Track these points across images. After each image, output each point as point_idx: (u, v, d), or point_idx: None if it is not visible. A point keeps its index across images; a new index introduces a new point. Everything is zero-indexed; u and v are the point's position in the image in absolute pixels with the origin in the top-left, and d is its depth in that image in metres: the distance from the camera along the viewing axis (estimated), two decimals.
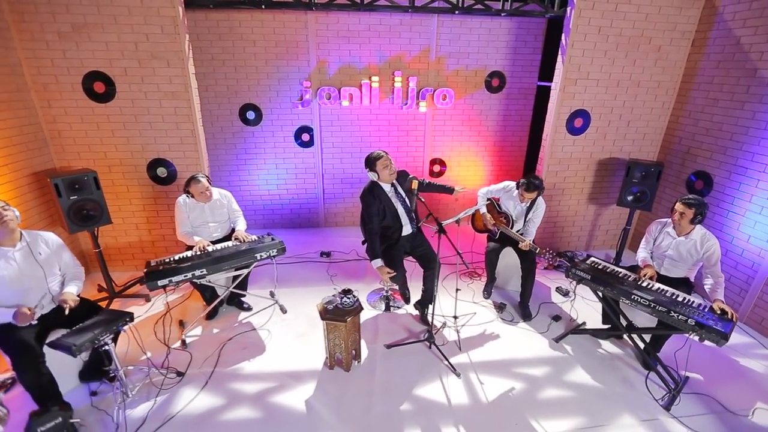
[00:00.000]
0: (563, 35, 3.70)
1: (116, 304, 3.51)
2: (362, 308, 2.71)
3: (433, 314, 2.98)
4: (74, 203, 3.11)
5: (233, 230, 3.45)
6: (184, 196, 3.22)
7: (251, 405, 2.52)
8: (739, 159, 3.40)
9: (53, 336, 2.34)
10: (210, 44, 4.23)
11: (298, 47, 4.37)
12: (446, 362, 2.86)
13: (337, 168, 5.00)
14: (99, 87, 3.39)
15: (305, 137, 4.77)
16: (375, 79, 4.53)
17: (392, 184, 3.05)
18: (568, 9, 3.61)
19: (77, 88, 3.37)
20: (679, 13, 3.68)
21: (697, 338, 2.41)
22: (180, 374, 2.72)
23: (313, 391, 2.62)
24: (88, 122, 3.49)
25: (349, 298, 2.66)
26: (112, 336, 2.29)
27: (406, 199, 3.10)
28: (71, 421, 2.06)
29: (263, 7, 3.51)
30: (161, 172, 3.73)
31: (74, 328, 2.22)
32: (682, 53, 3.85)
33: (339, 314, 2.61)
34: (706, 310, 2.48)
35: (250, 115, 4.59)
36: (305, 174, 4.97)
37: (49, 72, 3.30)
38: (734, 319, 2.40)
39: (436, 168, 5.19)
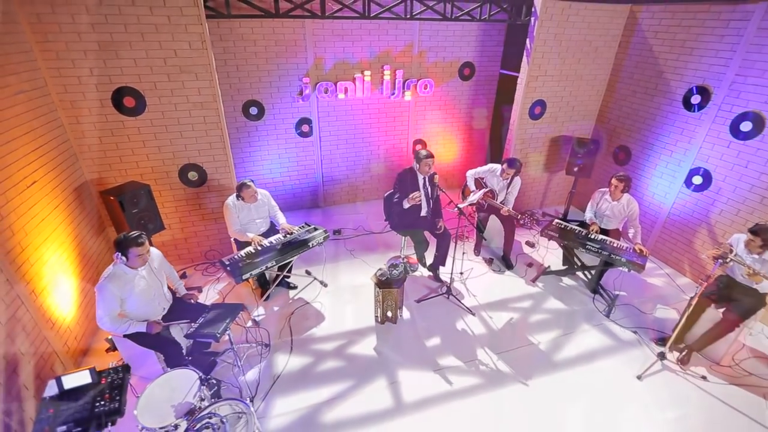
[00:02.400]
0: (528, 41, 4.55)
1: None
2: (406, 277, 3.59)
3: (452, 273, 3.98)
4: (135, 215, 3.43)
5: (272, 223, 4.01)
6: (233, 197, 3.68)
7: (335, 358, 3.34)
8: (649, 137, 4.69)
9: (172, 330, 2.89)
10: (212, 44, 4.34)
11: (296, 45, 4.68)
12: (463, 307, 3.90)
13: (334, 153, 5.55)
14: (129, 102, 3.54)
15: (305, 128, 5.20)
16: (367, 73, 5.04)
17: (425, 177, 3.86)
18: (533, 19, 4.43)
19: (107, 104, 3.49)
20: (611, 21, 4.70)
21: (626, 270, 3.71)
22: (267, 345, 3.41)
23: (376, 341, 3.51)
24: (119, 135, 3.65)
25: (397, 270, 3.50)
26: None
27: (429, 190, 3.92)
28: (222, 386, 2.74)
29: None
30: (192, 176, 4.04)
31: (200, 321, 2.79)
32: (612, 53, 4.94)
33: (391, 283, 3.45)
34: (631, 251, 3.75)
35: (253, 110, 4.87)
36: (306, 161, 5.46)
37: (76, 90, 3.37)
38: (647, 255, 3.70)
39: (418, 147, 5.97)
